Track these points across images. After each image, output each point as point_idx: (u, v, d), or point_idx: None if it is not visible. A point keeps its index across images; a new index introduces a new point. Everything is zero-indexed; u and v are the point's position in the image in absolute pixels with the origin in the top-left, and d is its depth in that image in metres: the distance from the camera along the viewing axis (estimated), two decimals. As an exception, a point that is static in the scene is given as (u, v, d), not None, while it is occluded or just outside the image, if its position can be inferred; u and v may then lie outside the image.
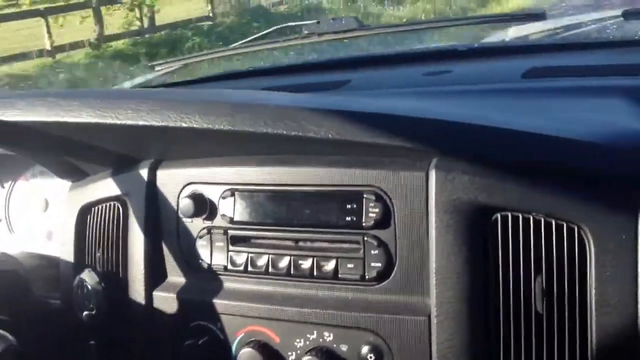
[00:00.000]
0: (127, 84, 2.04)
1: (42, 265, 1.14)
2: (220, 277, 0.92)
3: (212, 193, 0.92)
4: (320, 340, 0.85)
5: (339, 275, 0.84)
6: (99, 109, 0.88)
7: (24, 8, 10.15)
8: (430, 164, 0.78)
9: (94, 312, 0.97)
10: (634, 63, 1.12)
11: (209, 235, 0.92)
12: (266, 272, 0.89)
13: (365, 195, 0.82)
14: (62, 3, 10.15)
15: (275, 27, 1.45)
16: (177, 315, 0.93)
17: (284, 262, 0.88)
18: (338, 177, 0.84)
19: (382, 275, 0.82)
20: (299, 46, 1.47)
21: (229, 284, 0.92)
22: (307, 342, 0.85)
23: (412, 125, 0.75)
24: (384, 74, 1.27)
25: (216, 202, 0.92)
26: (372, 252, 0.82)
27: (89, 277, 0.98)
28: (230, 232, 0.91)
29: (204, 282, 0.93)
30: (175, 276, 0.95)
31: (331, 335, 0.84)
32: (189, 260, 0.95)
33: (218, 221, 0.92)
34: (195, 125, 0.83)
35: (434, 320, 0.78)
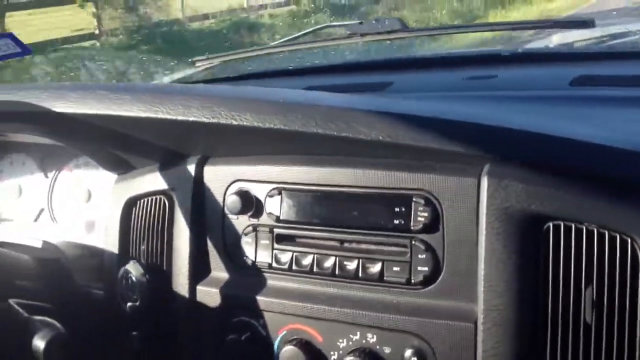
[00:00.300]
0: (166, 79, 2.05)
1: (85, 256, 1.16)
2: (264, 274, 0.93)
3: (258, 191, 0.93)
4: (364, 341, 0.85)
5: (385, 278, 0.85)
6: (150, 104, 0.90)
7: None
8: (483, 170, 0.78)
9: (137, 304, 0.98)
10: None
11: (254, 233, 0.93)
12: (311, 271, 0.89)
13: (414, 199, 0.82)
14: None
15: (316, 27, 1.45)
16: (220, 310, 0.94)
17: (329, 262, 0.88)
18: (387, 179, 0.84)
19: (429, 280, 0.83)
20: (338, 46, 1.47)
21: (272, 281, 0.93)
22: (350, 343, 0.86)
23: (467, 131, 0.75)
24: (427, 76, 1.27)
25: (262, 200, 0.93)
26: (419, 256, 0.83)
27: (133, 269, 0.99)
28: (276, 230, 0.92)
29: (247, 278, 0.94)
30: (219, 271, 0.96)
31: (375, 337, 0.85)
32: (233, 256, 0.96)
33: (264, 219, 0.93)
34: (246, 123, 0.84)
35: (480, 327, 0.78)
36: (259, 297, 0.92)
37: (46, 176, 1.27)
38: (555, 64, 1.22)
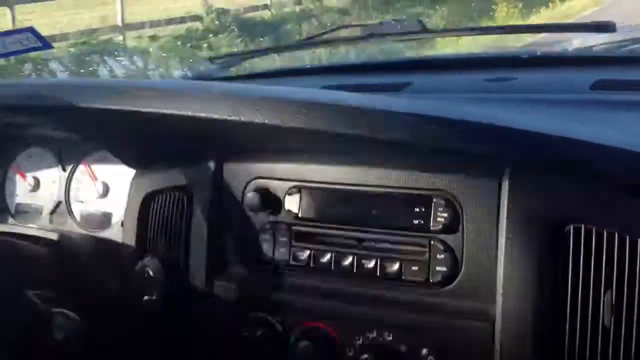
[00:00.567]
0: (183, 75, 2.06)
1: (101, 249, 1.16)
2: (282, 271, 0.94)
3: (278, 188, 0.93)
4: (380, 339, 0.86)
5: (403, 277, 0.85)
6: (172, 100, 0.90)
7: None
8: (504, 173, 0.78)
9: (154, 298, 0.99)
10: None
11: (272, 230, 0.94)
12: (329, 269, 0.90)
13: (435, 200, 0.83)
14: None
15: (335, 27, 1.45)
16: (236, 306, 0.95)
17: (347, 261, 0.89)
18: (408, 179, 0.84)
19: (447, 280, 0.83)
20: (356, 47, 1.47)
21: (290, 279, 0.93)
22: (367, 341, 0.86)
23: (489, 133, 0.75)
24: (445, 78, 1.27)
25: (282, 198, 0.93)
26: (438, 256, 0.83)
27: (151, 264, 1.00)
28: (295, 228, 0.92)
29: (265, 275, 0.95)
30: (237, 268, 0.97)
31: (391, 335, 0.85)
32: (250, 253, 0.96)
33: (283, 216, 0.93)
34: (268, 122, 0.85)
35: (498, 328, 0.78)
36: (275, 294, 0.92)
37: (64, 169, 1.28)
38: (575, 67, 1.22)
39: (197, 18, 9.11)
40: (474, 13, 9.31)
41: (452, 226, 0.82)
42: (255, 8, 9.96)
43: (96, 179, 1.24)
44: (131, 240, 1.06)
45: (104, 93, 0.94)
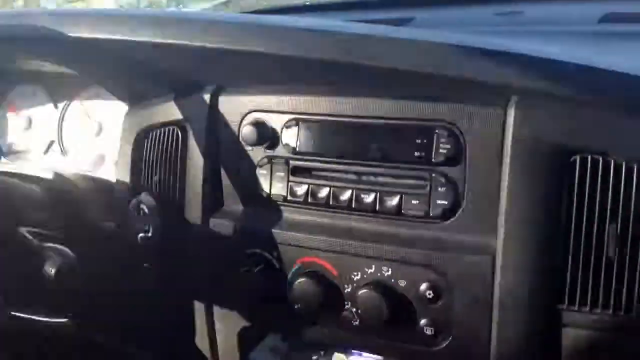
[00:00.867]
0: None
1: (96, 188, 1.14)
2: (279, 207, 0.92)
3: (275, 122, 0.91)
4: (379, 274, 0.84)
5: (402, 211, 0.83)
6: (164, 28, 0.86)
7: None
8: (510, 101, 0.75)
9: (149, 235, 0.97)
10: None
11: (269, 165, 0.91)
12: (327, 204, 0.88)
13: (437, 130, 0.80)
14: None
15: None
16: (233, 242, 0.93)
17: (345, 195, 0.87)
18: (409, 110, 0.81)
19: (448, 213, 0.81)
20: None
21: (287, 214, 0.91)
22: (365, 276, 0.85)
23: (494, 59, 0.72)
24: (449, 12, 1.23)
25: (279, 131, 0.90)
26: (439, 189, 0.81)
27: (145, 200, 0.98)
28: (292, 162, 0.90)
29: (261, 210, 0.93)
30: (233, 203, 0.95)
31: (390, 270, 0.83)
32: (247, 188, 0.94)
33: (280, 150, 0.91)
34: (262, 50, 0.81)
35: (498, 261, 0.76)
36: (273, 230, 0.90)
37: (56, 107, 1.25)
38: (582, 1, 1.18)
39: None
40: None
41: (454, 158, 0.79)
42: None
43: (89, 116, 1.22)
44: (125, 178, 1.03)
45: (93, 22, 0.91)
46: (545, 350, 0.77)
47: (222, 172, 0.96)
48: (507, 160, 0.75)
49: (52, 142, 1.26)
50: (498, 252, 0.76)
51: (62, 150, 1.25)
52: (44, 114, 1.26)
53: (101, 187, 1.13)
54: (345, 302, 0.87)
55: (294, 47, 0.79)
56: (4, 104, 1.28)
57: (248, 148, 0.93)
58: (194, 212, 0.96)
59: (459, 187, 0.80)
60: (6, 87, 1.28)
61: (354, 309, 0.86)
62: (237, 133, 0.93)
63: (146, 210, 0.98)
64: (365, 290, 0.83)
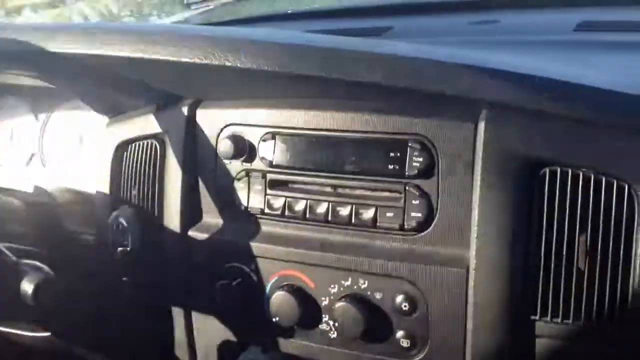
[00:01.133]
0: (160, 22, 2.01)
1: (76, 201, 1.14)
2: (257, 220, 0.92)
3: (252, 135, 0.91)
4: (355, 287, 0.85)
5: (378, 224, 0.84)
6: (141, 43, 0.87)
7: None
8: (480, 115, 0.76)
9: (128, 249, 0.97)
10: None
11: (247, 178, 0.92)
12: (303, 217, 0.88)
13: (410, 144, 0.80)
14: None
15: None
16: (211, 255, 0.94)
17: (321, 208, 0.87)
18: (383, 124, 0.82)
19: (422, 226, 0.81)
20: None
21: (265, 227, 0.92)
22: (342, 289, 0.85)
23: (464, 73, 0.73)
24: (426, 21, 1.23)
25: (256, 145, 0.91)
26: (413, 201, 0.81)
27: (124, 214, 0.98)
28: (269, 175, 0.90)
29: (239, 224, 0.93)
30: (211, 217, 0.95)
31: (366, 282, 0.84)
32: (225, 201, 0.94)
33: (257, 164, 0.91)
34: (239, 65, 0.81)
35: (472, 273, 0.77)
36: (250, 243, 0.91)
37: (37, 119, 1.25)
38: (557, 9, 1.19)
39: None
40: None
41: (427, 171, 0.80)
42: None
43: (70, 129, 1.22)
44: (105, 191, 1.03)
45: (72, 37, 0.91)
46: (519, 361, 0.78)
47: (201, 185, 0.96)
48: (478, 172, 0.76)
49: (33, 155, 1.26)
50: (471, 264, 0.77)
51: (42, 163, 1.25)
52: (25, 126, 1.26)
53: (81, 200, 1.13)
54: (323, 315, 0.87)
55: (269, 61, 0.79)
56: (-15, 117, 1.28)
57: (226, 161, 0.93)
58: (172, 225, 0.96)
59: (433, 200, 0.81)
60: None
61: (331, 322, 0.86)
62: (214, 146, 0.94)
63: (125, 224, 0.98)
64: (342, 303, 0.84)
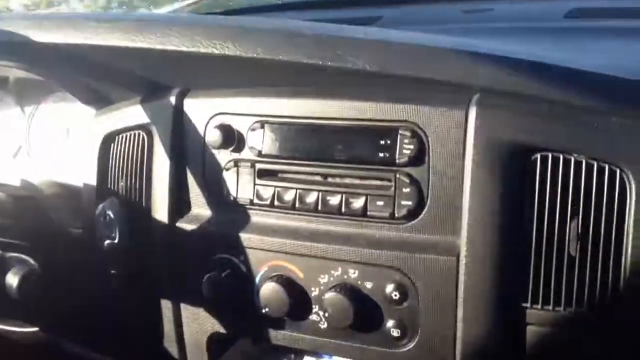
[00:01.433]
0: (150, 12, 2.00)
1: (63, 194, 1.13)
2: (246, 210, 0.91)
3: (240, 124, 0.90)
4: (345, 277, 0.84)
5: (368, 213, 0.83)
6: (128, 32, 0.85)
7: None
8: (471, 101, 0.75)
9: (115, 241, 0.96)
10: None
11: (235, 168, 0.91)
12: (293, 207, 0.87)
13: (400, 131, 0.79)
14: None
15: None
16: (200, 247, 0.92)
17: (311, 198, 0.86)
18: (373, 111, 0.81)
19: (413, 214, 0.80)
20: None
21: (254, 217, 0.90)
22: (332, 279, 0.84)
23: (455, 59, 0.72)
24: (418, 10, 1.23)
25: (244, 134, 0.90)
26: (404, 189, 0.80)
27: (111, 206, 0.97)
28: (258, 165, 0.89)
29: (228, 214, 0.92)
30: (200, 208, 0.94)
31: (356, 272, 0.83)
32: (214, 192, 0.93)
33: (246, 153, 0.90)
34: (227, 53, 0.80)
35: (462, 261, 0.76)
36: (239, 234, 0.89)
37: (23, 112, 1.23)
38: None
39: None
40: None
41: (418, 158, 0.79)
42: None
43: (57, 121, 1.20)
44: (92, 183, 1.02)
45: (58, 26, 0.89)
46: (510, 348, 0.77)
47: (189, 176, 0.95)
48: (469, 159, 0.75)
49: (20, 147, 1.24)
50: (462, 251, 0.76)
51: (29, 155, 1.23)
52: (12, 118, 1.24)
53: (69, 192, 1.12)
54: (313, 306, 0.86)
55: (257, 49, 0.78)
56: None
57: (214, 151, 0.92)
58: (160, 217, 0.95)
59: (423, 187, 0.80)
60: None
61: (321, 312, 0.85)
62: (202, 136, 0.92)
63: (112, 216, 0.96)
64: (332, 293, 0.83)
